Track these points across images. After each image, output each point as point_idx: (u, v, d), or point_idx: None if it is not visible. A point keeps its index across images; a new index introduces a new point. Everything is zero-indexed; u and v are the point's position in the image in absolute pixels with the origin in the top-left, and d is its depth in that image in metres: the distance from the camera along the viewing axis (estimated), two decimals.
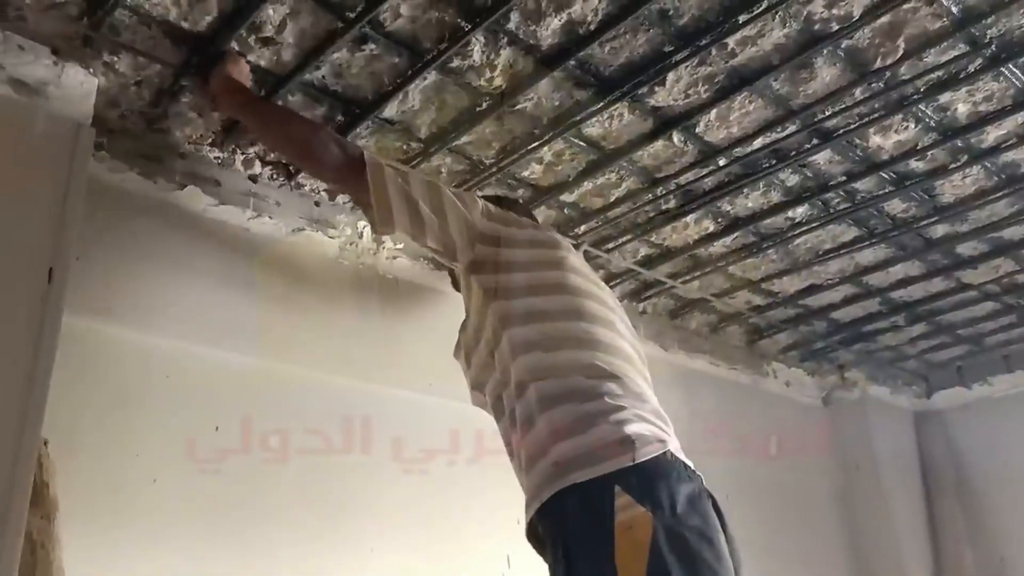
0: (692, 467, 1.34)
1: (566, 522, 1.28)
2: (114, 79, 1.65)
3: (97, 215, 1.67)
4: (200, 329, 1.77)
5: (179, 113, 1.78)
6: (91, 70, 1.58)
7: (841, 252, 2.53)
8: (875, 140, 2.01)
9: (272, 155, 1.95)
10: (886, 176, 2.16)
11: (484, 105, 1.82)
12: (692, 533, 1.22)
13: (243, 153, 1.93)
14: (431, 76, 1.73)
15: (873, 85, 1.81)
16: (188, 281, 1.80)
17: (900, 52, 1.72)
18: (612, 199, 2.20)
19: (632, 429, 1.30)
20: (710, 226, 2.37)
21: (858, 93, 1.83)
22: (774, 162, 2.06)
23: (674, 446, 1.34)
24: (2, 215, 1.36)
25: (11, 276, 1.34)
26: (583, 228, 2.32)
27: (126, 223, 1.75)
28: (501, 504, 1.79)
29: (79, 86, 1.54)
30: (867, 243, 2.48)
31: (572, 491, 1.29)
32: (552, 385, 1.39)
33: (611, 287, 2.62)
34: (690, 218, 2.31)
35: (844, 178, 2.17)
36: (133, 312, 1.69)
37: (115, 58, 1.62)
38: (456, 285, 2.05)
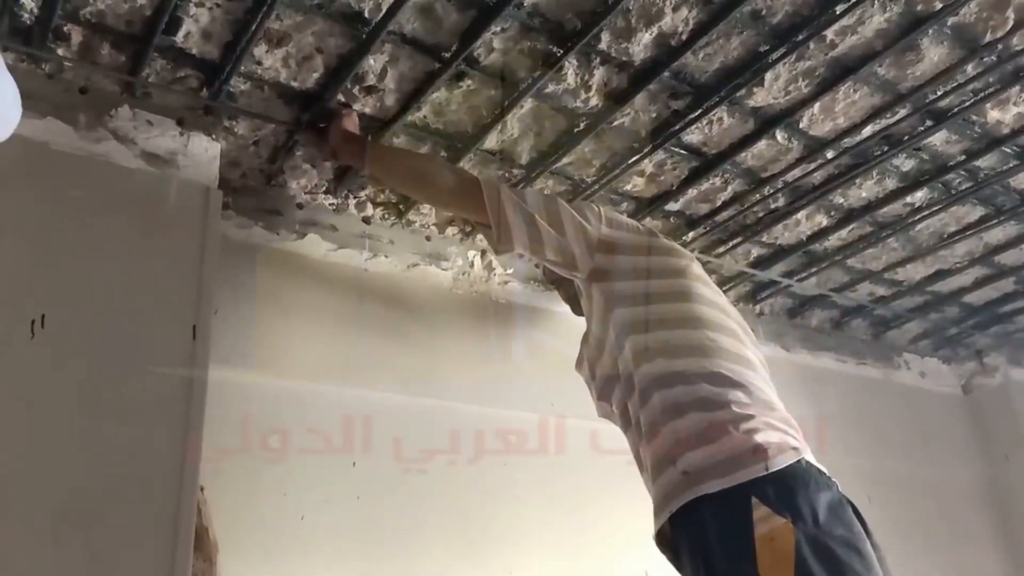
0: (828, 474, 1.31)
1: (703, 534, 1.27)
2: (234, 141, 1.76)
3: (228, 270, 1.76)
4: (329, 369, 1.85)
5: (294, 167, 1.88)
6: (213, 136, 1.69)
7: (968, 233, 2.41)
8: (993, 115, 1.92)
9: (382, 195, 2.03)
10: (1009, 151, 2.06)
11: (582, 125, 1.84)
12: (838, 543, 1.19)
13: (355, 197, 2.01)
14: (528, 104, 1.76)
15: (985, 59, 1.74)
16: (315, 324, 1.88)
17: (1010, 23, 1.64)
18: (719, 203, 2.18)
19: (763, 438, 1.28)
20: (823, 220, 2.31)
21: (970, 69, 1.76)
22: (886, 148, 2.00)
23: (808, 453, 1.31)
24: (147, 280, 1.47)
25: (160, 337, 1.44)
26: (691, 235, 2.30)
27: (255, 274, 1.84)
28: (638, 517, 1.79)
29: (204, 152, 1.65)
30: (995, 221, 2.36)
31: (705, 501, 1.28)
32: (677, 393, 1.39)
33: (725, 291, 2.59)
34: (801, 214, 2.26)
35: (963, 157, 2.07)
36: (268, 358, 1.78)
37: (233, 122, 1.73)
38: (569, 302, 2.08)
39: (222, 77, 1.58)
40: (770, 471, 1.24)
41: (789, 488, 1.24)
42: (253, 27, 1.47)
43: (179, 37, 1.50)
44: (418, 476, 1.83)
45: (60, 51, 1.51)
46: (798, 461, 1.28)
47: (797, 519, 1.20)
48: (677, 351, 1.43)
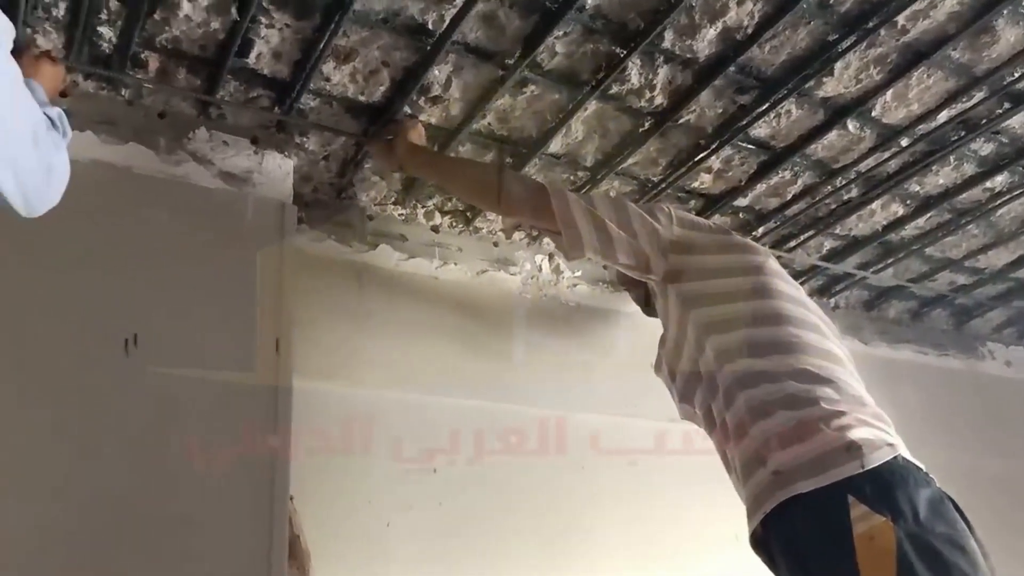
0: (925, 470, 1.27)
1: (797, 535, 1.24)
2: (305, 157, 1.80)
3: (304, 283, 1.80)
4: (405, 376, 1.87)
5: (363, 179, 1.91)
6: (286, 153, 1.73)
7: None
8: None
9: (449, 204, 2.05)
10: None
11: (647, 125, 1.83)
12: (941, 541, 1.15)
13: (423, 207, 2.04)
14: (592, 106, 1.76)
15: None
16: (390, 333, 1.90)
17: None
18: (789, 197, 2.14)
19: (857, 434, 1.25)
20: (899, 210, 2.25)
21: None
22: (963, 133, 1.94)
23: (904, 449, 1.28)
24: (230, 297, 1.51)
25: (244, 351, 1.48)
26: (761, 230, 2.27)
27: (329, 287, 1.88)
28: (716, 519, 1.78)
29: (278, 169, 1.70)
30: None
31: (798, 501, 1.24)
32: (763, 392, 1.36)
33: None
34: (876, 204, 2.20)
35: None
36: (347, 368, 1.81)
37: (304, 138, 1.77)
38: (640, 304, 2.06)
39: (292, 95, 1.62)
40: (866, 468, 1.21)
41: (887, 485, 1.20)
42: (321, 45, 1.50)
43: (251, 58, 1.54)
44: (498, 481, 1.84)
45: (138, 77, 1.56)
46: (894, 457, 1.24)
47: (897, 517, 1.16)
48: (760, 349, 1.40)
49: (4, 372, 1.32)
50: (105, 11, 1.41)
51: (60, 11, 1.39)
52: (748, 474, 1.33)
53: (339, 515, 1.65)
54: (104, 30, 1.45)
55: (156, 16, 1.43)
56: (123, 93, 1.59)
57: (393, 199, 1.99)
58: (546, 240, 2.18)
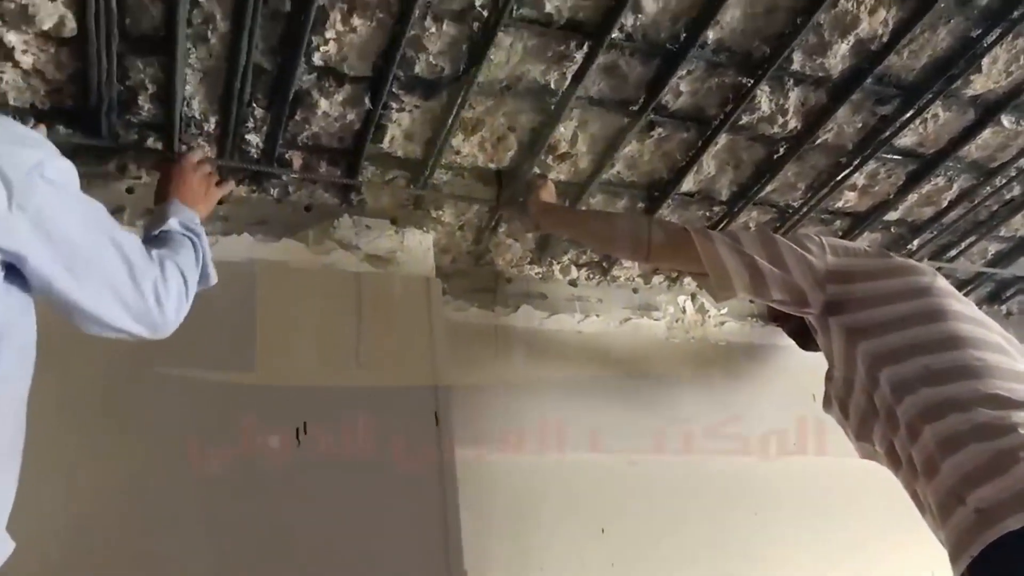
0: None
1: None
2: (442, 230, 1.84)
3: (453, 353, 1.82)
4: (566, 438, 1.84)
5: (498, 243, 1.93)
6: (425, 228, 1.77)
7: None
8: None
9: (584, 256, 2.04)
10: None
11: (782, 150, 1.77)
12: None
13: (558, 262, 2.03)
14: (722, 139, 1.72)
15: None
16: (542, 394, 1.89)
17: None
18: (944, 204, 2.02)
19: None
20: None
21: None
22: None
23: None
24: (387, 375, 1.54)
25: (405, 427, 1.50)
26: (916, 243, 2.14)
27: (477, 353, 1.89)
28: (908, 561, 1.66)
29: (419, 245, 1.74)
30: None
31: (1009, 540, 1.13)
32: (951, 423, 1.25)
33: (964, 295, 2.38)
34: None
35: None
36: (505, 434, 1.80)
37: (440, 212, 1.80)
38: (794, 337, 1.97)
39: (426, 172, 1.65)
40: None
41: None
42: (450, 120, 1.54)
43: (385, 143, 1.59)
44: (669, 537, 1.78)
45: (283, 177, 1.64)
46: None
47: None
48: (942, 377, 1.29)
49: (189, 462, 1.38)
50: (251, 119, 1.49)
51: (211, 125, 1.48)
52: (946, 515, 1.22)
53: None
54: (251, 137, 1.53)
55: (297, 117, 1.50)
56: (272, 193, 1.67)
57: (529, 259, 2.00)
58: (687, 280, 2.13)
